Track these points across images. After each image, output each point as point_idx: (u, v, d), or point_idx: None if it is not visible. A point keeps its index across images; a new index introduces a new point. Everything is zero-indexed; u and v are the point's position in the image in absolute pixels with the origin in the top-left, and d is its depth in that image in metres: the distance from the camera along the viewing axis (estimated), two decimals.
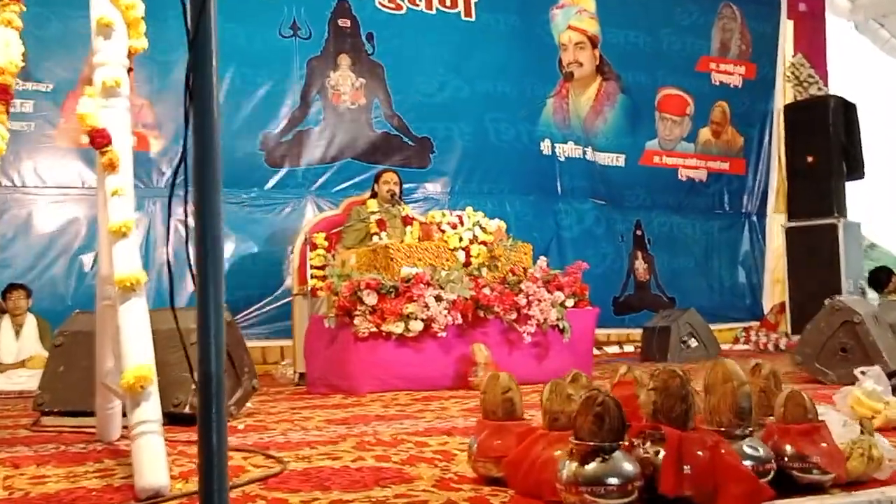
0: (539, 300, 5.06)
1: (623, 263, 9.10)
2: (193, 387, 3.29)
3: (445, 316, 4.80)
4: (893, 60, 11.03)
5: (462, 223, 5.37)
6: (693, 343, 7.41)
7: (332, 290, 4.82)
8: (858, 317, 4.73)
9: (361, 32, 7.64)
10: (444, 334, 4.82)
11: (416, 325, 4.78)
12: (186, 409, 3.27)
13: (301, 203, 7.27)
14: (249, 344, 7.13)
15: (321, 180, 7.37)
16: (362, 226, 6.00)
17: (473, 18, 8.15)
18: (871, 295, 9.68)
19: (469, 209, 5.53)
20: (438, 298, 4.81)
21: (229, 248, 6.95)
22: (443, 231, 5.33)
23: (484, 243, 5.39)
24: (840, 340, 4.76)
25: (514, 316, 5.07)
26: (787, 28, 10.16)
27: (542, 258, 5.37)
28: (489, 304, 4.96)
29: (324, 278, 5.76)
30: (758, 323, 9.59)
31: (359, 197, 6.82)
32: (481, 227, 5.42)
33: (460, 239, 5.31)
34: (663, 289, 9.39)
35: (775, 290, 10.03)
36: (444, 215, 5.41)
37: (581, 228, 8.67)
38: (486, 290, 4.99)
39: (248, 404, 3.86)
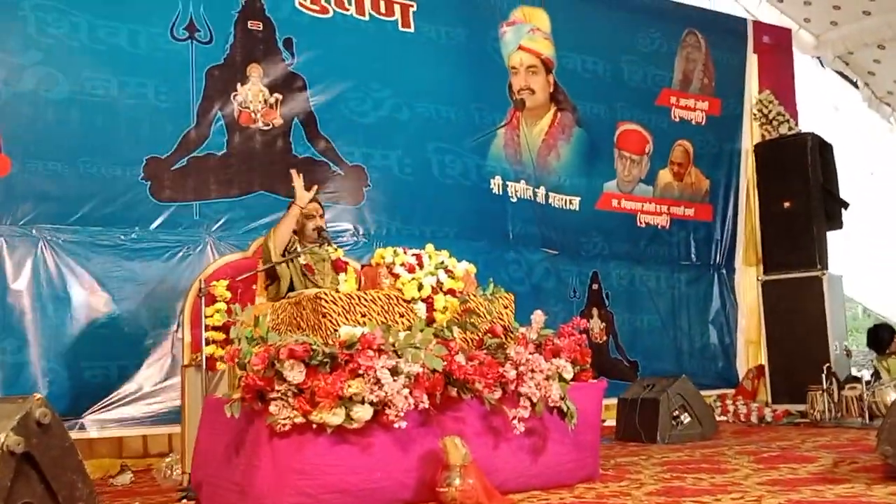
0: (533, 371, 3.59)
1: None
2: None
3: (406, 397, 3.27)
4: (862, 101, 10.19)
5: (421, 265, 3.89)
6: (686, 419, 6.07)
7: (239, 361, 3.24)
8: None
9: (277, 38, 6.17)
10: (402, 424, 3.28)
11: (363, 413, 3.23)
12: None
13: (197, 247, 5.65)
14: (127, 431, 5.57)
15: (224, 218, 5.78)
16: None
17: (412, 30, 6.78)
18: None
19: (430, 247, 4.07)
20: (395, 371, 3.29)
21: (99, 305, 5.31)
22: (396, 276, 3.83)
23: (452, 292, 3.91)
24: None
25: (498, 394, 3.58)
26: (752, 62, 9.17)
27: (538, 312, 3.90)
28: (466, 379, 3.46)
29: (226, 343, 4.18)
30: (733, 390, 8.37)
31: None
32: (447, 272, 3.95)
33: (420, 287, 3.83)
34: (624, 351, 8.09)
35: (748, 351, 8.87)
36: (396, 254, 3.92)
37: (530, 283, 7.30)
38: (460, 358, 3.50)
39: None
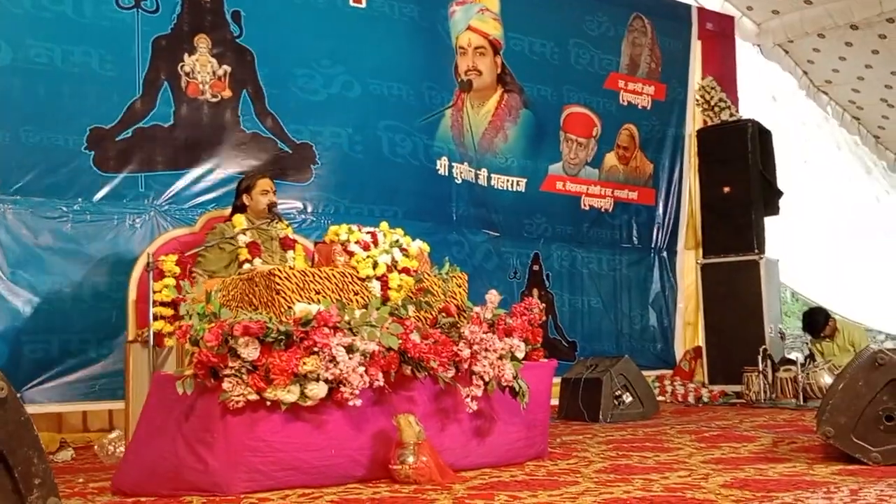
0: (487, 350, 3.62)
1: (516, 303, 7.79)
2: None
3: (361, 375, 3.27)
4: (798, 89, 10.42)
5: (376, 243, 3.88)
6: (627, 398, 6.19)
7: (191, 337, 3.20)
8: None
9: (226, 9, 6.03)
10: (357, 402, 3.28)
11: (318, 390, 3.23)
12: None
13: (142, 219, 5.52)
14: (67, 407, 5.44)
15: (170, 191, 5.65)
16: (230, 248, 4.42)
17: (363, 5, 6.71)
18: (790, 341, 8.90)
19: (384, 225, 4.06)
20: (351, 349, 3.29)
21: (39, 278, 5.16)
22: (350, 254, 3.82)
23: (406, 270, 3.91)
24: (885, 406, 3.57)
25: (451, 373, 3.60)
26: (696, 48, 9.31)
27: (493, 291, 3.92)
28: (421, 358, 3.47)
29: (174, 319, 4.13)
30: (671, 371, 8.55)
31: (220, 212, 5.22)
32: (401, 250, 3.95)
33: (375, 265, 3.82)
34: (563, 332, 8.19)
35: (686, 333, 9.06)
36: (351, 232, 3.90)
37: (472, 264, 7.32)
38: (415, 337, 3.51)
39: None
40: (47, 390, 5.15)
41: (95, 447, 4.70)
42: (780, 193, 8.52)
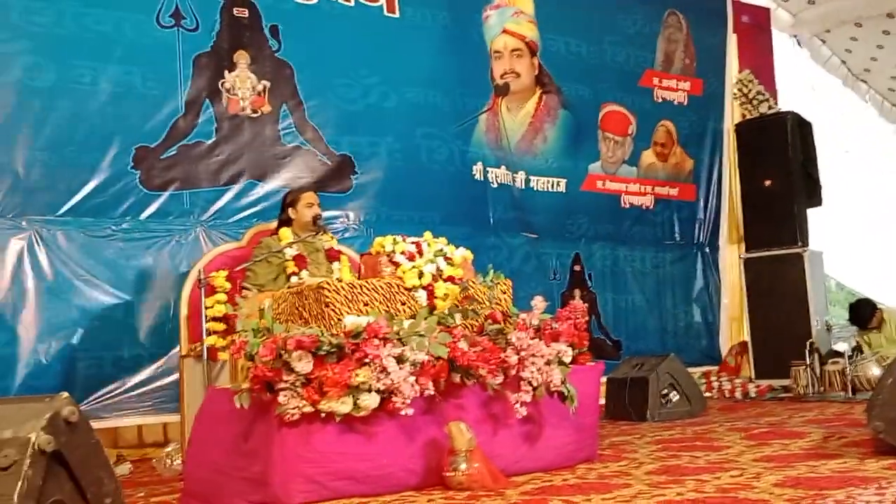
0: (535, 356, 3.65)
1: (555, 305, 7.79)
2: None
3: (412, 385, 3.32)
4: (836, 79, 10.30)
5: (421, 253, 3.93)
6: (675, 397, 6.17)
7: (246, 352, 3.27)
8: None
9: (263, 25, 6.14)
10: (409, 411, 3.34)
11: (371, 401, 3.28)
12: None
13: (189, 236, 5.64)
14: (123, 422, 5.60)
15: (215, 207, 5.76)
16: (277, 261, 4.50)
17: (398, 15, 6.77)
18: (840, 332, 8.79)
19: (428, 234, 4.11)
20: (401, 359, 3.34)
21: (91, 296, 5.29)
22: (396, 264, 3.87)
23: (451, 279, 3.96)
24: None
25: (500, 380, 3.64)
26: (732, 42, 9.25)
27: (539, 298, 3.96)
28: (470, 366, 3.51)
29: (226, 334, 4.22)
30: (716, 367, 8.50)
31: (265, 226, 5.31)
32: (445, 259, 4.00)
33: (421, 274, 3.87)
34: (607, 331, 8.18)
35: (731, 328, 9.01)
36: (395, 242, 3.96)
37: (511, 267, 7.34)
38: (463, 345, 3.55)
39: None
40: (103, 406, 5.25)
41: (153, 461, 4.81)
42: (818, 185, 8.43)
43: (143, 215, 5.55)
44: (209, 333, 4.31)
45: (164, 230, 5.59)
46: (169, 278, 5.40)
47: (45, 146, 5.28)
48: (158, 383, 5.35)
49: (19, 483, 1.84)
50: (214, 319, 4.38)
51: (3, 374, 5.01)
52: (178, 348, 4.87)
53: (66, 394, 2.05)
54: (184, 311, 4.70)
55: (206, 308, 4.35)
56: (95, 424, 5.03)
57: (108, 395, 5.28)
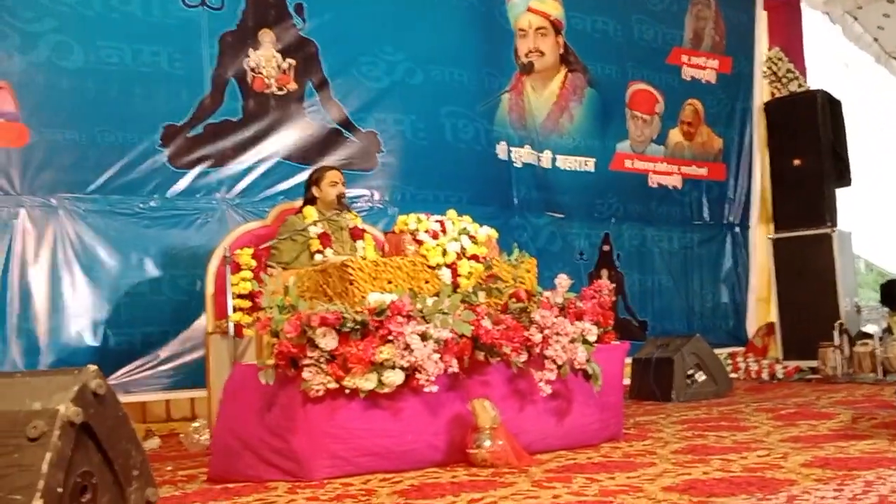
0: (558, 335, 3.64)
1: (582, 284, 7.76)
2: None
3: (436, 362, 3.33)
4: (868, 56, 10.12)
5: (445, 232, 3.92)
6: (700, 377, 6.14)
7: (271, 329, 3.29)
8: None
9: (288, 3, 6.13)
10: (433, 388, 3.34)
11: (395, 377, 3.29)
12: None
13: (216, 214, 5.68)
14: (150, 397, 5.68)
15: (241, 185, 5.79)
16: (302, 239, 4.51)
17: None
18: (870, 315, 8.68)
19: (452, 213, 4.10)
20: (424, 337, 3.35)
21: (118, 274, 5.35)
22: (419, 242, 3.87)
23: (475, 258, 3.95)
24: None
25: (523, 358, 3.63)
26: (762, 19, 9.11)
27: (563, 276, 3.95)
28: (493, 344, 3.51)
29: (252, 311, 4.24)
30: (743, 348, 8.45)
31: (291, 204, 5.32)
32: (469, 237, 3.99)
33: (444, 253, 3.86)
34: (633, 312, 8.14)
35: (759, 309, 8.93)
36: (419, 221, 3.95)
37: (535, 247, 7.31)
38: (486, 323, 3.55)
39: None
40: (131, 381, 5.33)
41: (181, 435, 4.87)
42: (848, 164, 8.32)
43: (171, 193, 5.60)
44: (235, 310, 4.34)
45: (192, 208, 5.63)
46: (195, 256, 5.43)
47: (73, 125, 5.33)
48: (185, 359, 5.43)
49: (48, 454, 1.86)
50: (240, 297, 4.41)
51: (32, 351, 5.09)
52: (204, 325, 4.91)
53: (93, 367, 2.06)
54: (210, 288, 4.73)
55: (232, 285, 4.38)
56: (124, 399, 5.14)
57: (136, 371, 5.35)
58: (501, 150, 7.16)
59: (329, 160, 5.93)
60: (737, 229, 8.81)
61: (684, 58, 8.57)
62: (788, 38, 9.19)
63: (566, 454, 3.65)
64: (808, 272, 7.89)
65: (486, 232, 4.16)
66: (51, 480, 1.84)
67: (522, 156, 7.34)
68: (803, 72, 9.14)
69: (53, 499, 1.84)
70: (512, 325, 3.60)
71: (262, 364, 3.35)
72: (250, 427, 3.46)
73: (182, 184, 5.61)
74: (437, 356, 3.34)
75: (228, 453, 3.49)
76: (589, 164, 7.80)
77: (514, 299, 3.86)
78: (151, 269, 5.46)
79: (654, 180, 8.32)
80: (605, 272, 7.90)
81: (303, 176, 5.55)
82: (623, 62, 8.12)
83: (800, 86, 8.93)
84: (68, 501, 1.92)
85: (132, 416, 5.44)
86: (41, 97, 5.27)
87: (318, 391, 3.24)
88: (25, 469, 1.85)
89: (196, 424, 4.73)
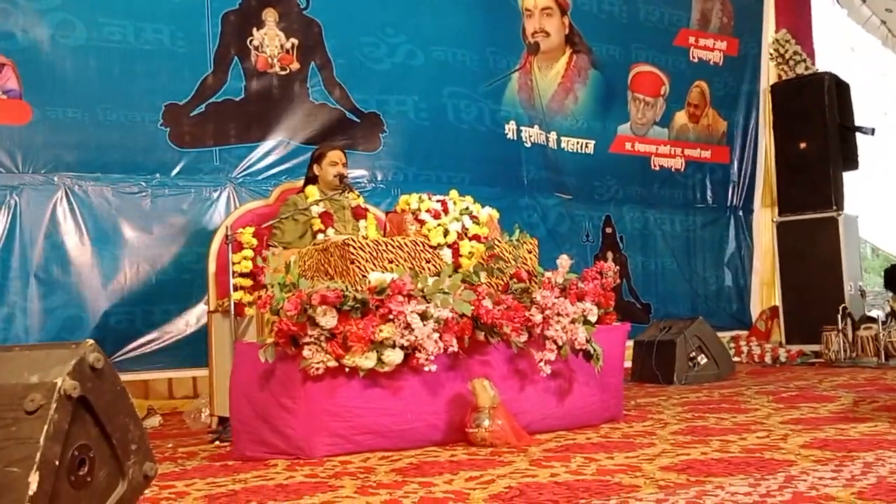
0: (559, 315, 3.63)
1: (589, 266, 7.75)
2: (31, 491, 1.82)
3: (436, 342, 3.33)
4: (875, 39, 10.05)
5: (446, 211, 3.91)
6: (702, 360, 6.13)
7: (272, 307, 3.29)
8: None
9: None
10: (433, 368, 3.34)
11: (395, 356, 3.30)
12: None
13: (218, 192, 5.67)
14: (152, 375, 5.70)
15: (244, 164, 5.78)
16: (304, 218, 4.51)
17: None
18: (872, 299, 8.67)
19: (454, 192, 4.09)
20: (424, 316, 3.34)
21: (120, 252, 5.34)
22: (421, 222, 3.86)
23: (477, 238, 3.94)
24: None
25: (524, 338, 3.63)
26: (769, 0, 9.04)
27: (564, 256, 3.94)
28: (494, 323, 3.51)
29: (253, 290, 4.24)
30: (746, 332, 8.44)
31: (293, 184, 5.31)
32: (471, 217, 3.98)
33: (446, 232, 3.86)
34: (637, 294, 8.13)
35: (763, 293, 8.92)
36: (421, 200, 3.94)
37: (545, 228, 7.30)
38: (487, 303, 3.54)
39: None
40: (133, 359, 5.33)
41: (183, 414, 4.89)
42: (870, 131, 8.25)
43: (173, 172, 5.58)
44: (236, 289, 4.34)
45: (194, 187, 5.62)
46: (198, 235, 5.43)
47: (76, 103, 5.31)
48: (187, 337, 5.42)
49: (45, 426, 1.86)
50: (241, 275, 4.40)
51: (36, 328, 5.09)
52: (206, 303, 4.91)
53: (91, 341, 2.06)
54: (212, 267, 4.73)
55: (234, 264, 4.38)
56: (127, 377, 5.22)
57: (138, 349, 5.36)
58: (510, 129, 7.13)
59: (332, 140, 5.91)
60: (740, 212, 8.80)
61: (692, 39, 8.52)
62: (796, 20, 9.12)
63: (566, 434, 3.65)
64: (812, 256, 7.87)
65: (488, 212, 4.15)
66: (48, 453, 1.85)
67: (532, 135, 7.32)
68: (811, 54, 9.08)
69: (50, 472, 1.85)
70: (513, 305, 3.60)
71: (262, 342, 3.35)
72: (252, 405, 3.46)
73: (184, 162, 5.59)
74: (436, 335, 3.33)
75: (243, 429, 3.48)
76: (589, 147, 7.78)
77: (515, 280, 3.85)
78: (154, 248, 5.45)
79: (656, 163, 8.29)
80: (609, 255, 7.89)
81: (305, 156, 5.53)
82: (628, 44, 8.07)
83: (807, 68, 8.87)
84: (65, 474, 1.92)
85: (135, 394, 5.50)
86: (44, 75, 5.24)
87: (317, 369, 3.24)
88: (23, 442, 1.86)
89: (197, 402, 4.75)
